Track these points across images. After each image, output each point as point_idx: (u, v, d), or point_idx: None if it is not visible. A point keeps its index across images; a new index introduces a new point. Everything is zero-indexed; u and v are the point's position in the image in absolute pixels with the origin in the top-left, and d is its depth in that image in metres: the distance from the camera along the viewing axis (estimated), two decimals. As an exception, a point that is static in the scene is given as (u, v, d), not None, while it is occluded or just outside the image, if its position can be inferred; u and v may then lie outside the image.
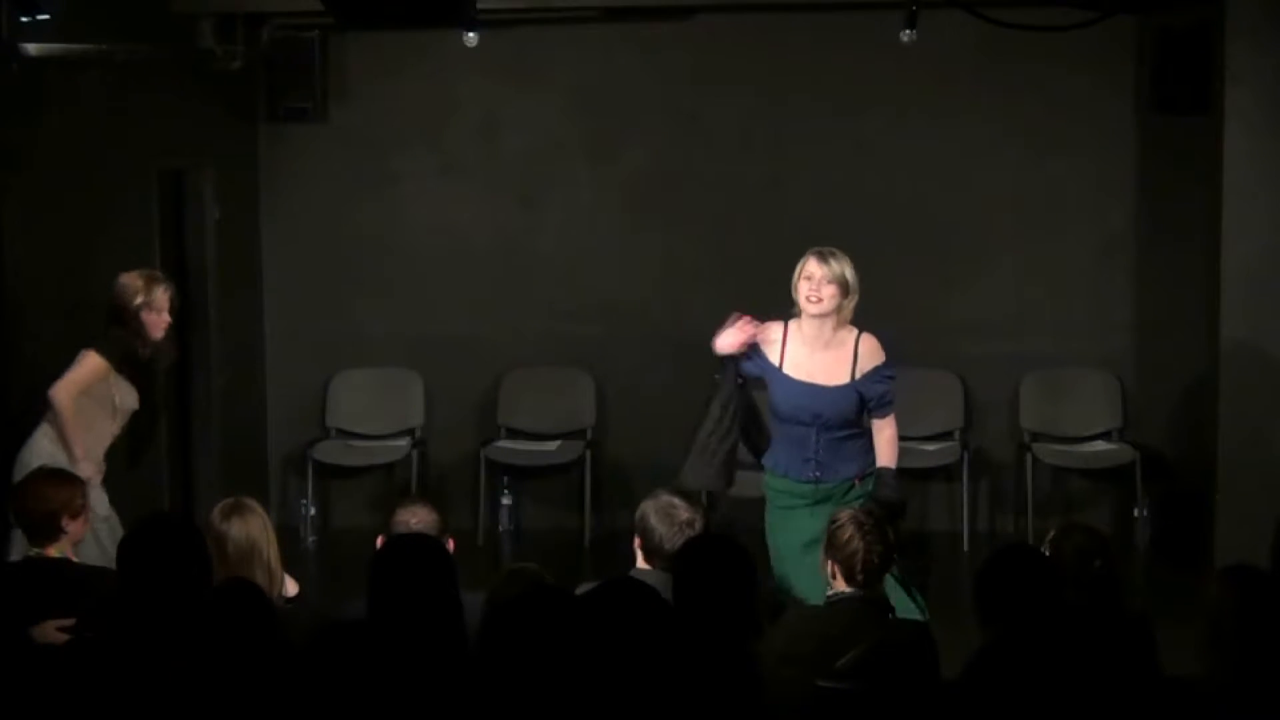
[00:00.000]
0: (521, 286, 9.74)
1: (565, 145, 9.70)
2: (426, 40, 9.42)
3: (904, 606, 6.01)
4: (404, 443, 9.73)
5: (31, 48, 7.30)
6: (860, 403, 6.49)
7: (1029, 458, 9.41)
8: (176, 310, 7.26)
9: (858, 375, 6.48)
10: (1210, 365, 8.59)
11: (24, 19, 7.15)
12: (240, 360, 9.59)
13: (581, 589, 5.37)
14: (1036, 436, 9.49)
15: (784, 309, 6.59)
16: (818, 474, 6.48)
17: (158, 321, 7.12)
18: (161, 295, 7.13)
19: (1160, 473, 9.35)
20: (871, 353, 6.51)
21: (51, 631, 5.07)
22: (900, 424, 6.62)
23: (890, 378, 6.53)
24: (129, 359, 7.05)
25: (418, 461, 9.68)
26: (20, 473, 6.54)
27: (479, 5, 7.86)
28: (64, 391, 6.86)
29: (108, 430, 7.06)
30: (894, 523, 6.24)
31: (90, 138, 7.93)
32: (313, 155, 9.78)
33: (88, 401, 6.94)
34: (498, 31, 8.99)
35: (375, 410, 9.81)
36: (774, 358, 6.54)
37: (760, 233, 9.22)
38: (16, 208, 7.37)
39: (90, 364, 6.94)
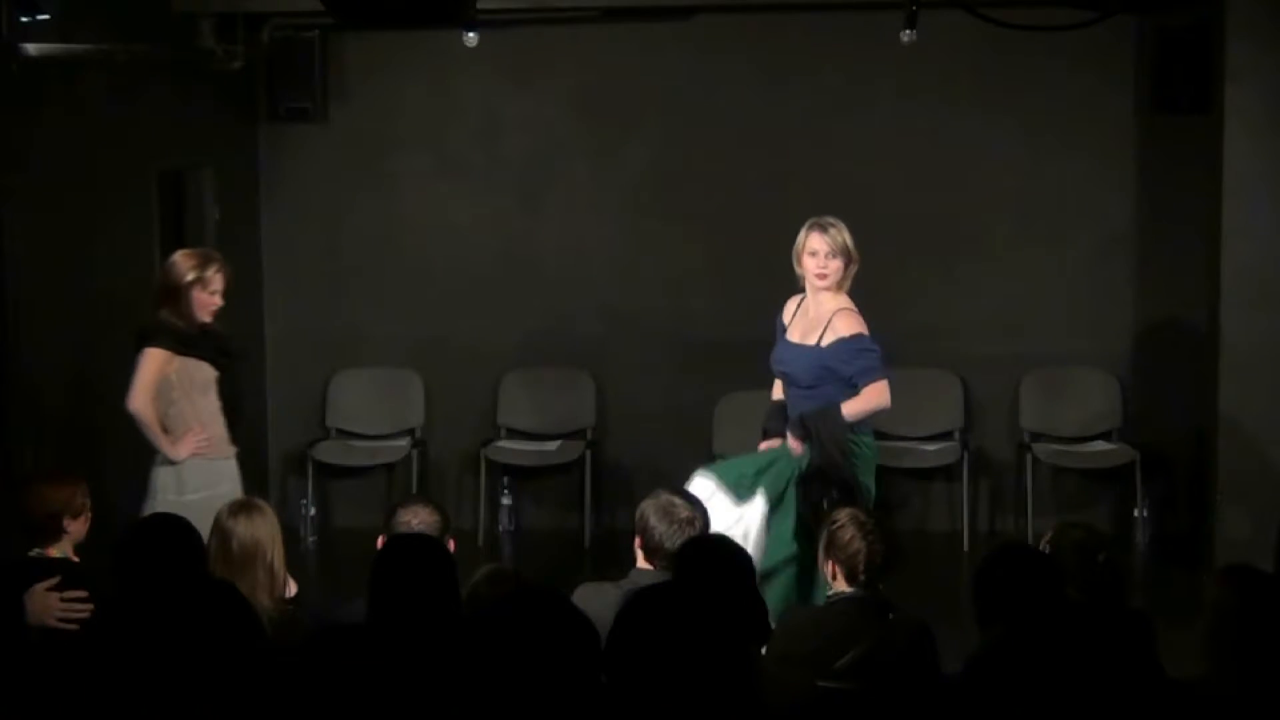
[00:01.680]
0: (521, 286, 9.73)
1: (565, 145, 9.69)
2: (426, 40, 9.41)
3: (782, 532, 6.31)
4: (404, 443, 9.73)
5: (31, 48, 7.29)
6: (823, 370, 6.49)
7: (1029, 458, 9.40)
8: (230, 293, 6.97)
9: (823, 343, 6.51)
10: (1210, 365, 8.59)
11: (24, 19, 7.15)
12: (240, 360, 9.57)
13: (582, 589, 5.38)
14: (1036, 436, 9.49)
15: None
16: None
17: (208, 302, 6.82)
18: (215, 275, 6.83)
19: (1160, 473, 9.34)
20: (843, 325, 6.49)
21: (42, 602, 5.07)
22: (900, 424, 6.62)
23: (868, 350, 6.48)
24: (185, 340, 6.81)
25: (418, 461, 9.68)
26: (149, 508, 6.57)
27: (479, 5, 7.86)
28: (136, 400, 6.75)
29: (214, 405, 6.92)
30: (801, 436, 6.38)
31: (90, 138, 7.92)
32: (313, 155, 9.78)
33: (184, 392, 6.81)
34: (498, 31, 8.98)
35: (375, 410, 9.81)
36: (786, 321, 6.75)
37: (760, 233, 9.19)
38: (16, 208, 7.37)
39: (150, 361, 6.77)
